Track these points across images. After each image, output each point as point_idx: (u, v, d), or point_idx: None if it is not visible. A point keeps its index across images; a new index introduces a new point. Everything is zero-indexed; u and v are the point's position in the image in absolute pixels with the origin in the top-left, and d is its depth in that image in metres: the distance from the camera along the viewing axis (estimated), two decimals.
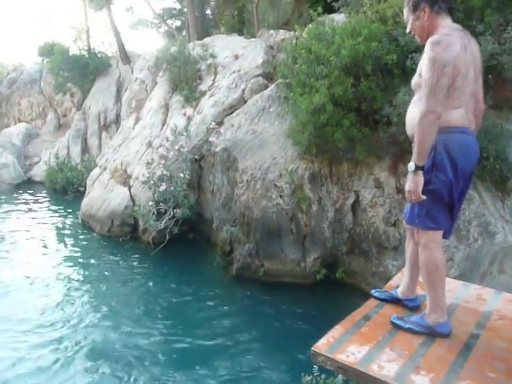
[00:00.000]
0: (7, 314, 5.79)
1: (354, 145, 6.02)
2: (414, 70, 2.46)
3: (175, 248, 7.69)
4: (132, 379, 4.50)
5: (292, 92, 6.72)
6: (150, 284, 6.81)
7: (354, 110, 6.02)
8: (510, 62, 5.20)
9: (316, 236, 6.39)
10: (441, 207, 2.25)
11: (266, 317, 5.68)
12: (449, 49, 2.10)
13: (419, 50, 4.75)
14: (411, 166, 2.18)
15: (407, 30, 2.43)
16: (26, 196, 12.68)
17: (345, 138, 5.90)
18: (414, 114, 2.25)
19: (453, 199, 2.23)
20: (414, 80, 2.34)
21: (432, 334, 2.30)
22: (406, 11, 2.39)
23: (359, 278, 6.21)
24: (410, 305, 2.59)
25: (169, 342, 5.19)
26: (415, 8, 2.30)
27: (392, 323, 2.42)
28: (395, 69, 5.75)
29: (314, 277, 6.32)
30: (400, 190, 5.74)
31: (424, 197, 2.19)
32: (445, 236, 2.40)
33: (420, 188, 2.18)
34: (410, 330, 2.34)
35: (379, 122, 5.88)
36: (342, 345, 2.22)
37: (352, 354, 2.14)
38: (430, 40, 2.17)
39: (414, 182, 2.18)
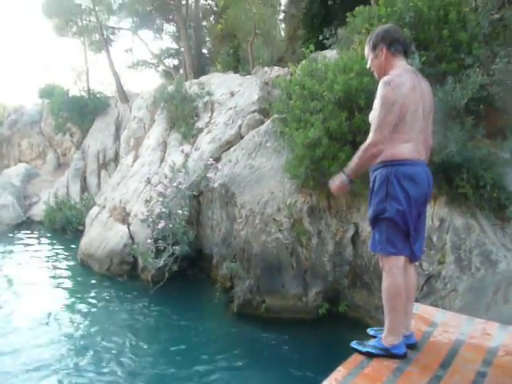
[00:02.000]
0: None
1: None
2: None
3: (175, 285, 7.58)
4: None
5: (288, 127, 6.82)
6: (150, 323, 6.67)
7: (349, 142, 6.08)
8: (499, 92, 5.31)
9: (317, 270, 6.31)
10: (398, 233, 2.40)
11: (268, 357, 5.52)
12: (398, 89, 2.30)
13: None
14: (343, 173, 2.50)
15: (367, 66, 2.68)
16: (25, 236, 12.60)
17: (341, 170, 5.93)
18: None
19: (408, 226, 2.38)
20: (370, 115, 2.54)
21: (388, 355, 2.40)
22: (366, 49, 2.63)
23: (362, 311, 6.10)
24: (406, 342, 2.51)
25: (168, 380, 5.05)
26: (374, 47, 2.54)
27: (352, 348, 2.51)
28: None
29: (317, 311, 6.20)
30: None
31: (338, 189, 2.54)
32: (413, 260, 2.55)
33: (338, 186, 2.52)
34: (367, 354, 2.44)
35: None
36: None
37: None
38: (382, 80, 2.39)
39: (338, 180, 2.53)
